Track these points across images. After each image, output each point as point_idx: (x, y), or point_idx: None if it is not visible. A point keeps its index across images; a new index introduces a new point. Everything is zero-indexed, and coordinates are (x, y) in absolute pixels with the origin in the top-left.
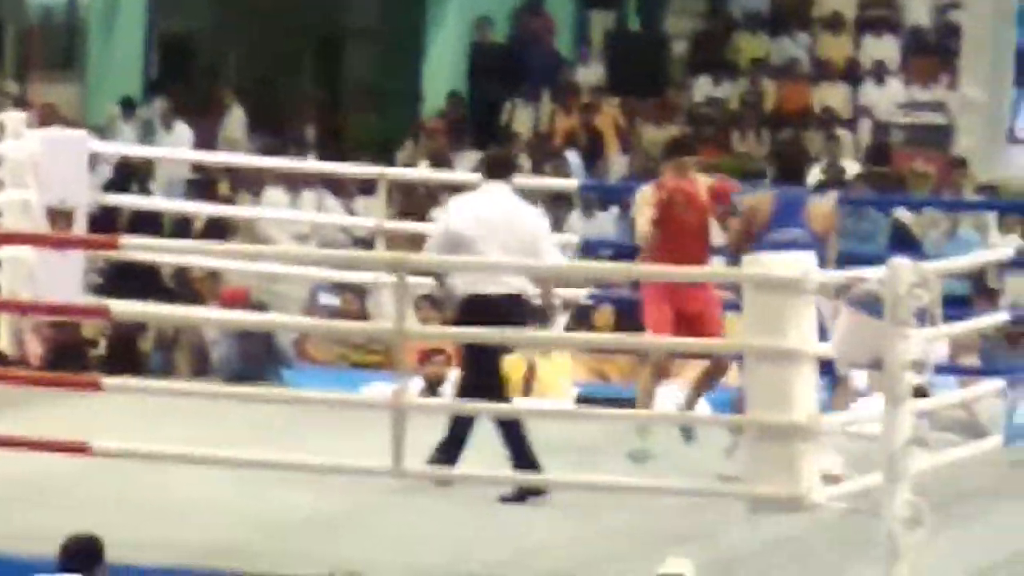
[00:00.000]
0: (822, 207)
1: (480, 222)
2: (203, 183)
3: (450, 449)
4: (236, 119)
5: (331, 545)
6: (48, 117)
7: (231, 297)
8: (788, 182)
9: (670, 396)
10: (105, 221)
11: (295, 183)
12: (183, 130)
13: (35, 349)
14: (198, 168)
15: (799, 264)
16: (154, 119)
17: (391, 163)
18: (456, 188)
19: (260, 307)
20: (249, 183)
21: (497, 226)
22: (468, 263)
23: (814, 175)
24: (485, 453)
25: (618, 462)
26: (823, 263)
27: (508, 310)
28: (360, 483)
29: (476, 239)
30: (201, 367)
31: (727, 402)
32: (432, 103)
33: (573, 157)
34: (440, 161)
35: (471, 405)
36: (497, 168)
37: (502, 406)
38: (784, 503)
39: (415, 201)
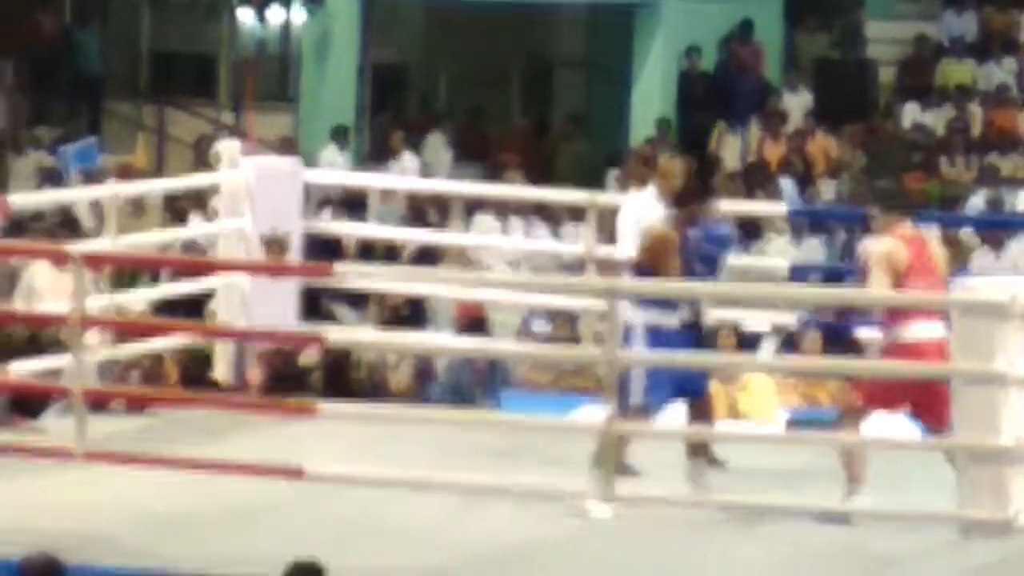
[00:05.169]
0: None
1: None
2: (415, 211)
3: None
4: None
5: (535, 572)
6: (262, 147)
7: (465, 312)
8: None
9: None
10: (319, 249)
11: (504, 209)
12: (410, 159)
13: (255, 376)
14: (412, 196)
15: (1007, 289)
16: (365, 148)
17: (599, 190)
18: None
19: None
20: (459, 210)
21: None
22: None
23: None
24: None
25: (827, 485)
26: None
27: None
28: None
29: None
30: (420, 387)
31: None
32: (640, 131)
33: (787, 184)
34: None
35: (684, 429)
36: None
37: (711, 430)
38: (993, 527)
39: None
